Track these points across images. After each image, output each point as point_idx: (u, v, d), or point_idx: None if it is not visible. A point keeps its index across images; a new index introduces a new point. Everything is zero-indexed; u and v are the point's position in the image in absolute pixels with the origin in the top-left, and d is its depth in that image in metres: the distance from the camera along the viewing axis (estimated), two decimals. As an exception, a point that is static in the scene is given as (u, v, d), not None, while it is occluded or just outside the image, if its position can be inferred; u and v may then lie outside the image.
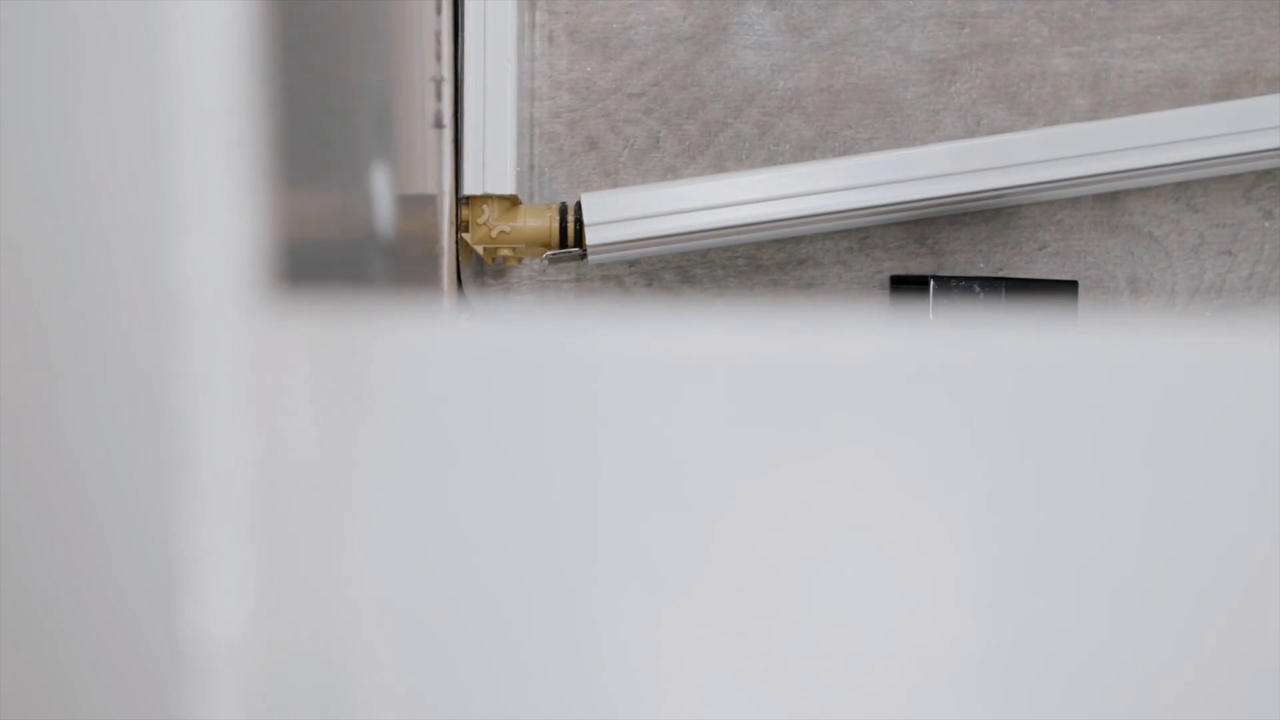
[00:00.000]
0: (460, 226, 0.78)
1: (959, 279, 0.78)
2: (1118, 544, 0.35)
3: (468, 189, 0.77)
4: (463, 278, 0.82)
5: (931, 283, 0.78)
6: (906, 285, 0.82)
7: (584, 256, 0.79)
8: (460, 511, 0.33)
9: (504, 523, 0.33)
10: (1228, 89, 0.83)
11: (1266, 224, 0.83)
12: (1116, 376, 0.34)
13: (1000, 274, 0.83)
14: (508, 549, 0.33)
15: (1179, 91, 0.83)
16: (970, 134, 0.83)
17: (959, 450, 0.34)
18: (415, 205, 0.64)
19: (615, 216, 0.78)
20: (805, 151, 0.84)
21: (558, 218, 0.79)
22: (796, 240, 0.84)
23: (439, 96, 0.69)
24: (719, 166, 0.84)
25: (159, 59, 0.27)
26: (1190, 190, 0.83)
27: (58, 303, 0.29)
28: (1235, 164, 0.78)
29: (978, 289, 0.78)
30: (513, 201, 0.79)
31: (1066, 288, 0.78)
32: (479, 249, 0.79)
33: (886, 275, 0.84)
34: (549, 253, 0.79)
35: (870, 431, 0.34)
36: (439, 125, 0.69)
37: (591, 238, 0.77)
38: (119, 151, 0.28)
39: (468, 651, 0.34)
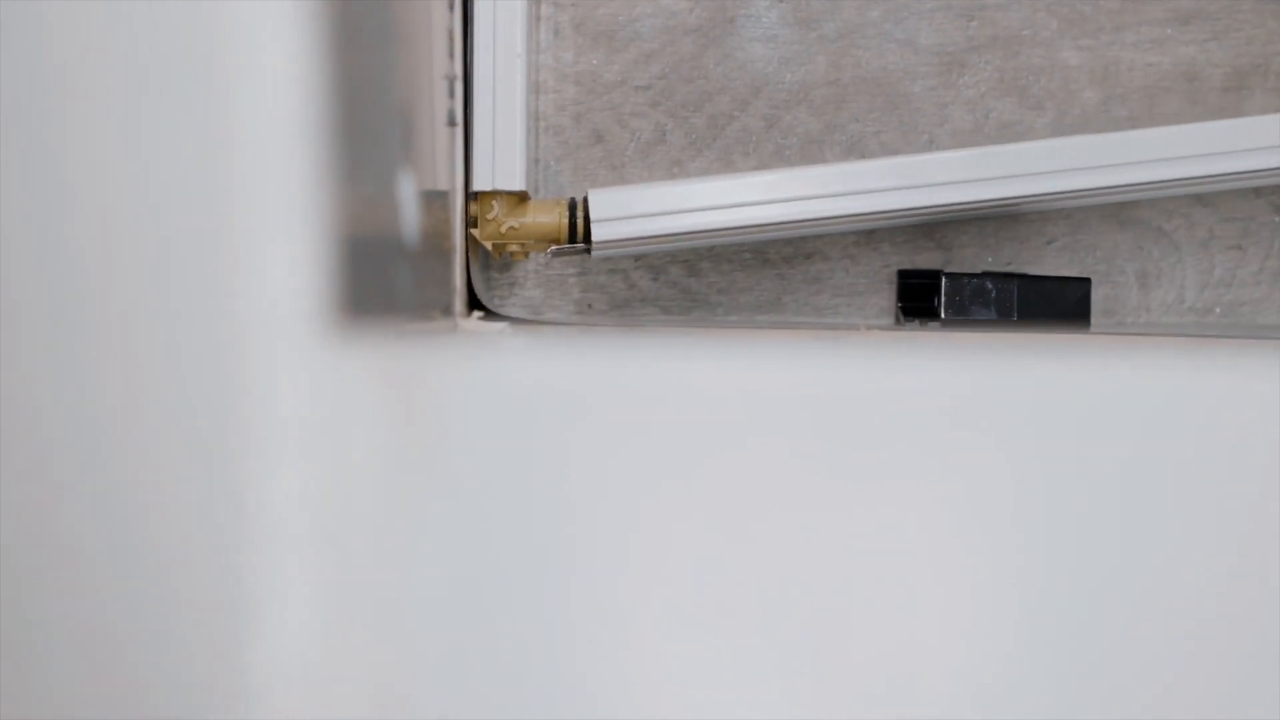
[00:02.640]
0: (469, 222, 0.78)
1: (970, 275, 0.78)
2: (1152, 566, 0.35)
3: (477, 184, 0.76)
4: (471, 273, 0.81)
5: (943, 280, 0.78)
6: (914, 280, 0.82)
7: (589, 252, 0.78)
8: (522, 542, 0.33)
9: (565, 552, 0.33)
10: (1238, 82, 0.83)
11: (1277, 219, 0.83)
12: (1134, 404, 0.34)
13: (1009, 268, 0.82)
14: (569, 579, 0.33)
15: (1189, 85, 0.83)
16: (979, 127, 0.83)
17: (989, 476, 0.34)
18: (431, 204, 0.63)
19: (622, 213, 0.77)
20: (812, 145, 0.83)
21: (567, 213, 0.78)
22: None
23: (452, 94, 0.69)
24: (726, 160, 0.83)
25: (221, 84, 0.27)
26: (1199, 184, 0.83)
27: (125, 331, 0.28)
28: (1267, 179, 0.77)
29: (990, 286, 0.77)
30: (521, 197, 0.78)
31: (1079, 285, 0.77)
32: (488, 245, 0.78)
33: (894, 270, 0.84)
34: (553, 248, 0.78)
35: (909, 457, 0.34)
36: (452, 123, 0.68)
37: (597, 234, 0.77)
38: (185, 181, 0.27)
39: (528, 680, 0.34)
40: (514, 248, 0.79)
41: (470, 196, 0.77)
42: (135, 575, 0.30)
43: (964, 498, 0.34)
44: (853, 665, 0.34)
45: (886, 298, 0.84)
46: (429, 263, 0.66)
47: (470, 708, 0.33)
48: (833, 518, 0.34)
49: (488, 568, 0.33)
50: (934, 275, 0.79)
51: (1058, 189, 0.76)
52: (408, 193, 0.51)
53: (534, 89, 0.82)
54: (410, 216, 0.51)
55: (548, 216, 0.78)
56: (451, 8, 0.69)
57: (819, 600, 0.34)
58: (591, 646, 0.34)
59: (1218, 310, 0.83)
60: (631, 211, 0.77)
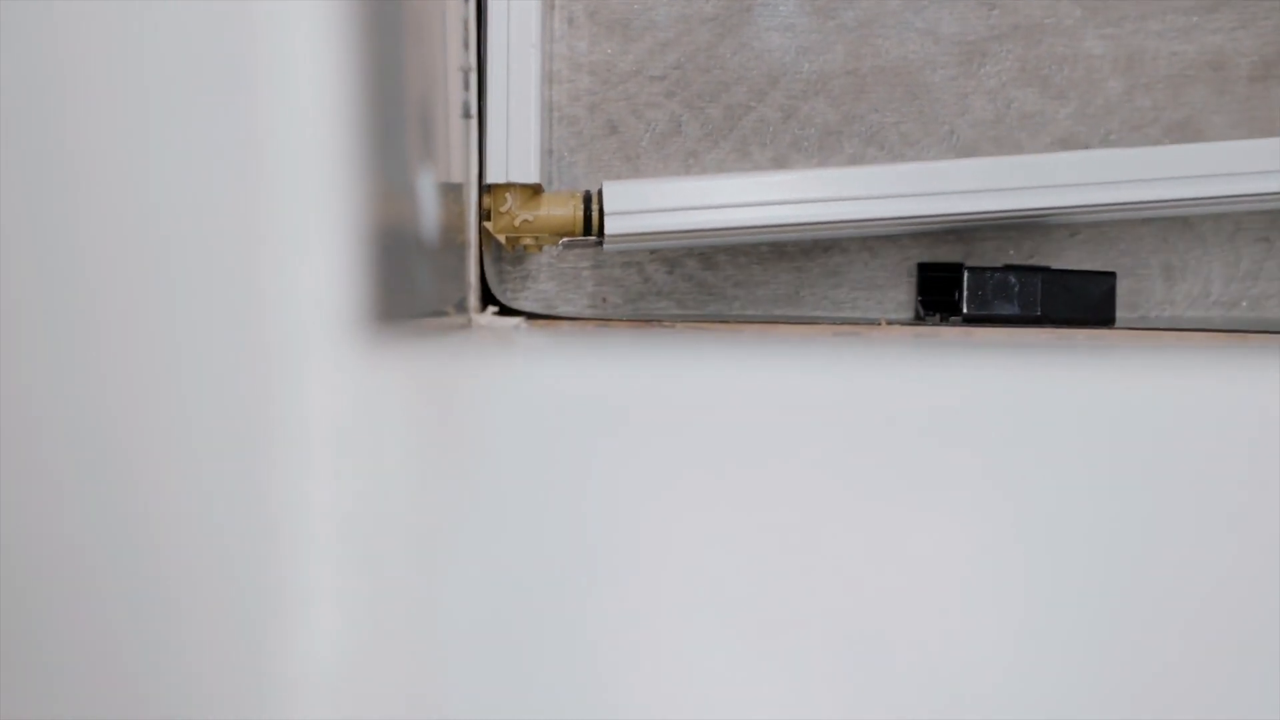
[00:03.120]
0: (482, 215, 0.76)
1: (993, 269, 0.77)
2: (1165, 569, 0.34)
3: (491, 177, 0.75)
4: (484, 267, 0.80)
5: (965, 274, 0.76)
6: (935, 273, 0.81)
7: (600, 245, 0.77)
8: (553, 554, 0.33)
9: (593, 561, 0.33)
10: (1266, 72, 0.81)
11: (1305, 211, 0.82)
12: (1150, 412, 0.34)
13: (1032, 262, 0.81)
14: (599, 583, 0.33)
15: (1215, 74, 0.81)
16: (1000, 118, 0.81)
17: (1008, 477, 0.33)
18: (446, 197, 0.62)
19: (636, 207, 0.76)
20: (831, 136, 0.82)
21: (581, 206, 0.77)
22: (822, 227, 0.82)
23: (467, 86, 0.67)
24: (742, 151, 0.82)
25: (253, 93, 0.25)
26: (1224, 176, 0.81)
27: (155, 336, 0.28)
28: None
29: (1013, 280, 0.76)
30: (535, 189, 0.77)
31: (1104, 279, 0.76)
32: (501, 238, 0.77)
33: (914, 263, 0.82)
34: (564, 240, 0.77)
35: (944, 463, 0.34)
36: (467, 115, 0.67)
37: (610, 227, 0.75)
38: (215, 184, 0.26)
39: (560, 699, 0.33)
40: (528, 241, 0.77)
41: (484, 189, 0.76)
42: (166, 581, 0.30)
43: (991, 503, 0.34)
44: (882, 670, 0.34)
45: (906, 291, 0.83)
46: (444, 257, 0.65)
47: (501, 712, 0.33)
48: (858, 520, 0.34)
49: (518, 572, 0.33)
50: (955, 269, 0.78)
51: (1085, 202, 0.74)
52: (427, 188, 0.49)
53: (548, 79, 0.81)
54: (429, 212, 0.49)
55: (562, 209, 0.77)
56: (466, -2, 0.68)
57: (844, 600, 0.34)
58: (620, 650, 0.34)
59: (1244, 304, 0.82)
60: (647, 206, 0.76)
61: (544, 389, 0.33)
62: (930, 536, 0.34)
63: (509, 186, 0.76)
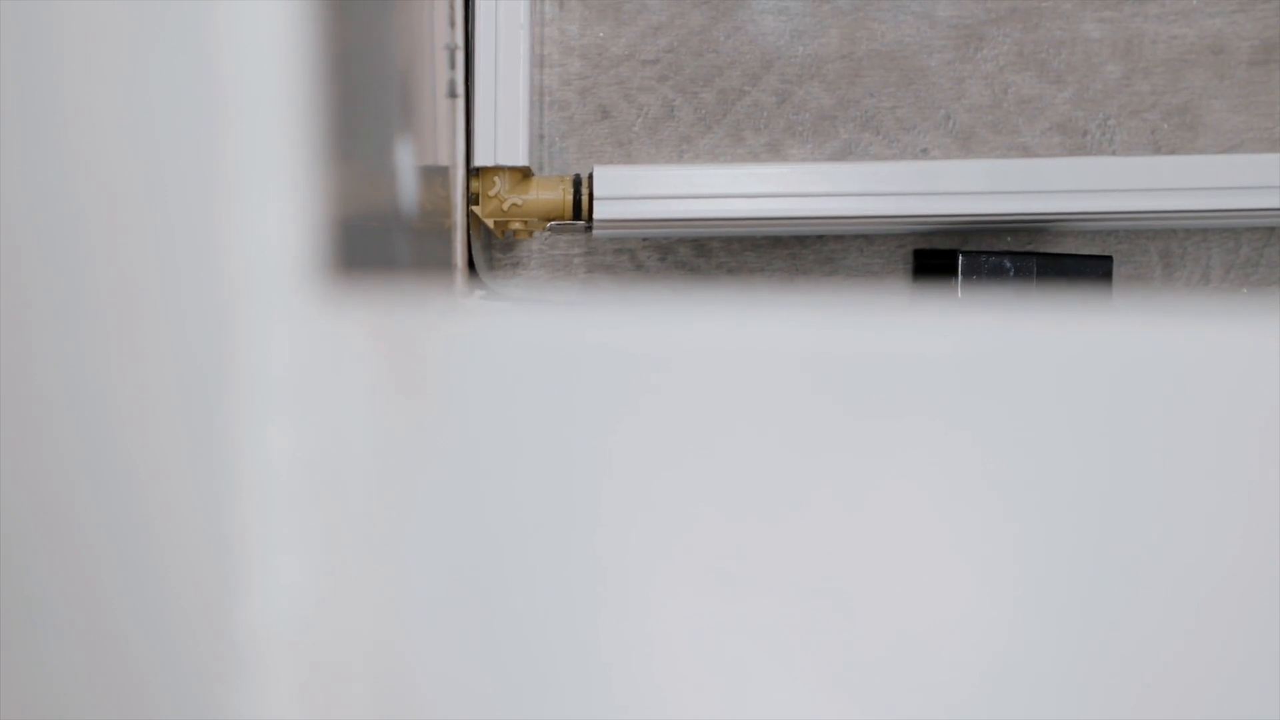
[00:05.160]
0: (470, 199, 0.75)
1: (988, 254, 0.76)
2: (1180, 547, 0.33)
3: (478, 160, 0.74)
4: (473, 252, 0.79)
5: (960, 258, 0.75)
6: (931, 260, 0.79)
7: (589, 230, 0.76)
8: (518, 504, 0.32)
9: (563, 517, 0.32)
10: (1265, 55, 0.80)
11: (1306, 196, 0.81)
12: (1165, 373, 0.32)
13: (1029, 247, 0.80)
14: (567, 543, 0.32)
15: (1215, 58, 0.80)
16: (998, 102, 0.80)
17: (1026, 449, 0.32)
18: (430, 178, 0.61)
19: (627, 193, 0.75)
20: (825, 121, 0.81)
21: (571, 190, 0.76)
22: (817, 213, 0.81)
23: (453, 65, 0.66)
24: (736, 136, 0.81)
25: (210, 41, 0.25)
26: (1224, 161, 0.80)
27: (110, 290, 0.27)
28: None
29: (1008, 265, 0.75)
30: (524, 173, 0.76)
31: (1100, 264, 0.75)
32: (489, 222, 0.76)
33: (910, 250, 0.81)
34: (552, 223, 0.76)
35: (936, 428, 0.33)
36: (453, 95, 0.66)
37: (600, 212, 0.74)
38: (176, 142, 0.25)
39: (525, 647, 0.32)
40: (517, 226, 0.76)
41: (472, 172, 0.75)
42: (125, 536, 0.30)
43: (985, 473, 0.33)
44: (868, 645, 0.33)
45: (902, 278, 0.81)
46: (429, 241, 0.63)
47: (466, 667, 0.33)
48: (847, 490, 0.33)
49: (481, 528, 0.32)
50: (950, 255, 0.77)
51: (1086, 209, 0.73)
52: (406, 164, 0.48)
53: (538, 62, 0.80)
54: (408, 188, 0.48)
55: (552, 194, 0.76)
56: (452, -26, 0.67)
57: (830, 577, 0.33)
58: (586, 601, 0.33)
59: (1244, 291, 0.81)
60: (638, 192, 0.75)
61: (510, 340, 0.32)
62: (926, 510, 0.33)
63: (498, 170, 0.75)
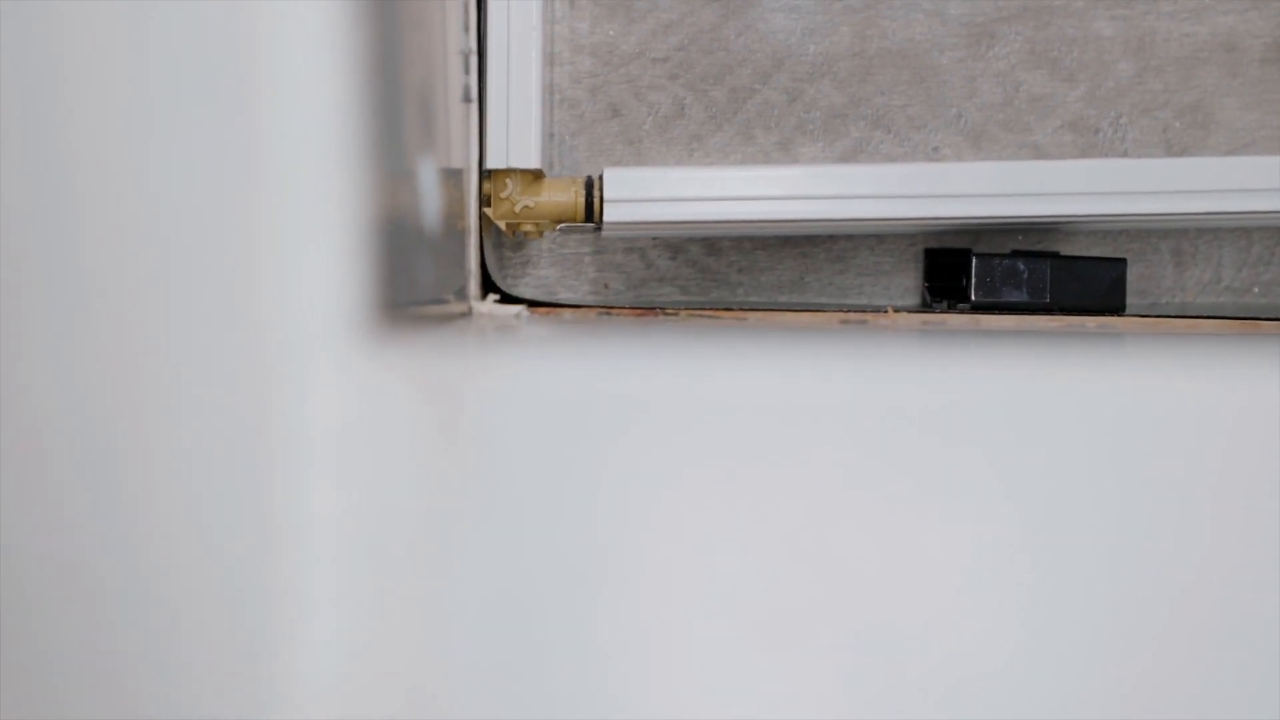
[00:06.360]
0: (483, 201, 0.75)
1: (1001, 256, 0.75)
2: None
3: (491, 162, 0.74)
4: (484, 253, 0.79)
5: (973, 260, 0.75)
6: (943, 259, 0.79)
7: (599, 231, 0.76)
8: (559, 555, 0.32)
9: (601, 567, 0.32)
10: (1278, 53, 0.80)
11: (1319, 196, 0.80)
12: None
13: (1041, 247, 0.80)
14: (604, 593, 0.32)
15: (1228, 56, 0.80)
16: (1009, 100, 0.80)
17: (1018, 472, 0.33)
18: (447, 183, 0.61)
19: (638, 195, 0.74)
20: (836, 119, 0.81)
21: (583, 192, 0.75)
22: (828, 212, 0.80)
23: (467, 70, 0.66)
24: (747, 135, 0.81)
25: (257, 94, 0.24)
26: (1236, 160, 0.80)
27: (157, 336, 0.27)
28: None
29: (1022, 267, 0.75)
30: (536, 175, 0.75)
31: (1114, 266, 0.75)
32: (501, 224, 0.76)
33: (920, 249, 0.81)
34: (561, 225, 0.76)
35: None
36: (468, 99, 0.66)
37: (610, 215, 0.74)
38: (217, 181, 0.25)
39: (564, 688, 0.32)
40: (528, 227, 0.76)
41: (484, 175, 0.74)
42: (168, 584, 0.30)
43: (999, 500, 0.33)
44: (888, 669, 0.33)
45: (913, 277, 0.81)
46: (445, 244, 0.63)
47: (504, 715, 0.33)
48: (866, 518, 0.33)
49: (522, 573, 0.32)
50: (963, 255, 0.76)
51: (1097, 212, 0.73)
52: (428, 175, 0.48)
53: (549, 61, 0.79)
54: (431, 200, 0.48)
55: (563, 195, 0.75)
56: (466, -21, 0.66)
57: (852, 596, 0.33)
58: (626, 651, 0.33)
59: (1256, 289, 0.81)
60: (649, 195, 0.74)
61: (548, 387, 0.32)
62: (939, 534, 0.33)
63: (510, 172, 0.75)
